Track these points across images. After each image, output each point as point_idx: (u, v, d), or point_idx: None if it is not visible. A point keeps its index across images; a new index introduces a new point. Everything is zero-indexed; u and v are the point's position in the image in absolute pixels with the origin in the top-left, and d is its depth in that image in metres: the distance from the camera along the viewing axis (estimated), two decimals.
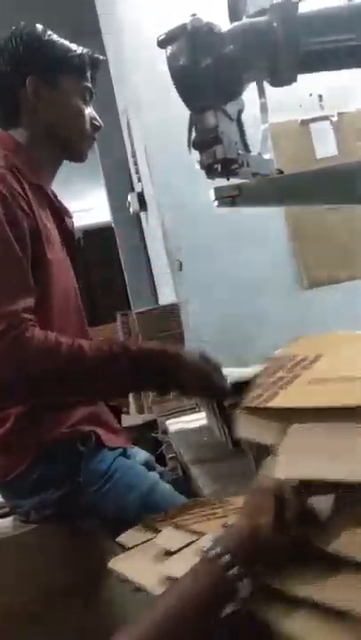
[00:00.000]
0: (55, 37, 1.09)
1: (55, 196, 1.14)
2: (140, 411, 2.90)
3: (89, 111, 1.13)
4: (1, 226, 0.94)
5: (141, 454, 1.27)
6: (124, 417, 1.26)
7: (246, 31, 0.92)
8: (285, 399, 0.57)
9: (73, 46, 1.10)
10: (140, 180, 2.88)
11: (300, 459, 0.53)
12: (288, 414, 0.56)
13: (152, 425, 2.48)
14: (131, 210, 2.98)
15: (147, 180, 2.67)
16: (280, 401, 0.57)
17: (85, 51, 1.11)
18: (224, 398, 1.04)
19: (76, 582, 1.12)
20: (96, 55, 1.13)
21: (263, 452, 0.91)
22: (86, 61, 1.11)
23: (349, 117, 2.48)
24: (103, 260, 5.58)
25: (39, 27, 1.08)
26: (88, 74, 1.12)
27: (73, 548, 1.12)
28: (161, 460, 2.04)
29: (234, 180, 1.00)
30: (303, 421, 0.54)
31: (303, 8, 0.92)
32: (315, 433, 0.53)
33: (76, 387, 0.97)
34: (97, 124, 1.14)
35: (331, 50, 0.92)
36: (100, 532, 1.12)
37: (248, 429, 0.60)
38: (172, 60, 0.92)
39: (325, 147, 2.47)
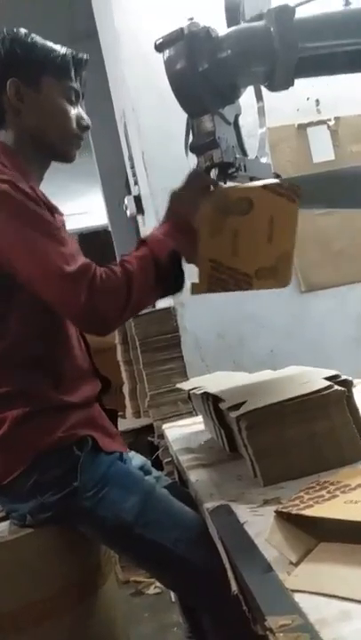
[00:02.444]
0: (38, 39, 1.09)
1: (44, 196, 1.14)
2: (137, 415, 2.90)
3: (75, 111, 1.12)
4: (36, 213, 0.99)
5: (138, 459, 1.26)
6: (119, 421, 1.26)
7: (243, 36, 0.92)
8: (319, 511, 0.65)
9: (56, 47, 1.09)
10: (136, 183, 2.88)
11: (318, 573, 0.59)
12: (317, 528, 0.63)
13: (148, 429, 2.48)
14: (128, 213, 2.97)
15: (144, 183, 2.67)
16: (314, 511, 0.64)
17: (69, 51, 1.11)
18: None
19: (73, 586, 1.12)
20: (80, 55, 1.12)
21: (260, 454, 0.91)
22: (70, 61, 1.10)
23: (346, 122, 2.49)
24: (99, 262, 5.58)
25: (22, 30, 1.08)
26: (72, 74, 1.11)
27: (70, 552, 1.12)
28: (157, 464, 2.04)
29: (231, 184, 1.00)
30: (331, 536, 0.62)
31: (300, 13, 0.92)
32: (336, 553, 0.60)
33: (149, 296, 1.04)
34: (84, 123, 1.13)
35: (328, 55, 0.92)
36: (96, 537, 1.11)
37: (277, 534, 0.66)
38: (169, 64, 0.92)
39: (322, 151, 2.47)
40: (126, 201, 2.94)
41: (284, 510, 0.68)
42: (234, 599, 0.69)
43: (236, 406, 0.95)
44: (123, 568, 2.23)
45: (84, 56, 1.13)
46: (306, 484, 0.76)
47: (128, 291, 0.96)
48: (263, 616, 0.55)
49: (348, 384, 0.95)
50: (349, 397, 0.94)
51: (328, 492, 0.71)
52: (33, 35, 1.09)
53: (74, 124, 1.12)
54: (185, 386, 1.41)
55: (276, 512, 0.68)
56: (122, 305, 0.97)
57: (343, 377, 0.97)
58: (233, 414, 0.94)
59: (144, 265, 0.99)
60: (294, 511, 0.66)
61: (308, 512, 0.65)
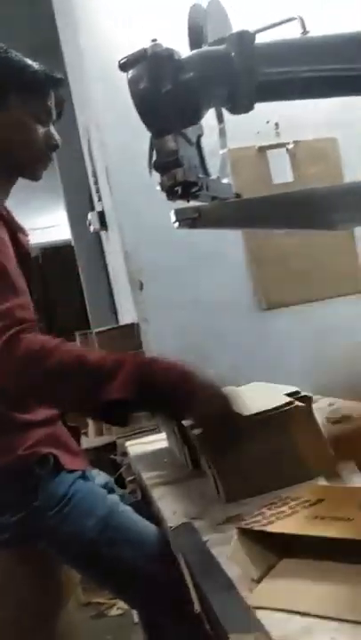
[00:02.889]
0: (13, 56, 1.07)
1: (9, 214, 1.12)
2: (99, 432, 2.87)
3: (45, 130, 1.11)
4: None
5: (101, 477, 1.25)
6: (82, 438, 1.24)
7: (205, 59, 0.94)
8: (282, 527, 0.65)
9: (28, 65, 1.07)
10: (100, 199, 2.88)
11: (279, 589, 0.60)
12: (278, 544, 0.65)
13: (111, 447, 2.45)
14: (91, 228, 2.97)
15: (108, 200, 2.68)
16: (278, 527, 0.65)
17: (42, 69, 1.09)
18: (243, 435, 0.90)
19: (31, 610, 1.09)
20: (54, 74, 1.10)
21: (223, 471, 0.91)
22: (42, 80, 1.09)
23: (304, 145, 2.56)
24: (62, 278, 5.52)
25: None
26: (44, 92, 1.10)
27: (31, 573, 1.09)
28: (120, 482, 2.02)
29: (194, 203, 1.01)
30: (293, 551, 0.63)
31: (260, 39, 0.94)
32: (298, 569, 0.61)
33: (65, 398, 0.92)
34: (53, 143, 1.12)
35: (287, 80, 0.95)
36: (58, 556, 1.09)
37: (240, 551, 0.65)
38: (132, 84, 0.93)
39: (282, 173, 2.53)
40: (90, 216, 2.94)
41: (246, 527, 0.68)
42: (196, 617, 0.68)
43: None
44: (84, 590, 2.18)
45: (58, 75, 1.11)
46: (268, 499, 0.77)
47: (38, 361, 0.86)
48: (226, 634, 0.55)
49: (307, 400, 0.96)
50: (310, 413, 0.96)
51: (290, 508, 0.72)
52: (10, 50, 1.07)
53: (42, 144, 1.10)
54: None
55: (238, 529, 0.68)
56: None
57: (303, 393, 0.99)
58: (196, 431, 0.95)
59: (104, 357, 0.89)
60: (256, 527, 0.67)
61: (269, 528, 0.66)
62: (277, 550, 0.65)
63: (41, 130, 1.10)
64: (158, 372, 0.88)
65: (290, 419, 0.93)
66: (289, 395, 0.98)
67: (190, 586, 0.74)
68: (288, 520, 0.67)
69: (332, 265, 2.61)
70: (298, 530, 0.64)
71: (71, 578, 1.23)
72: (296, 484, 0.88)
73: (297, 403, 0.94)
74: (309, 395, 0.98)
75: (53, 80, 1.10)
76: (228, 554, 0.68)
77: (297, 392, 0.99)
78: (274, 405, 0.93)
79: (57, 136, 1.13)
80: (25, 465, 1.03)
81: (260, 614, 0.56)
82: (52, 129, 1.13)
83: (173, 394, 0.88)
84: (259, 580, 0.62)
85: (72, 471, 1.08)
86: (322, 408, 1.36)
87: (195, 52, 0.95)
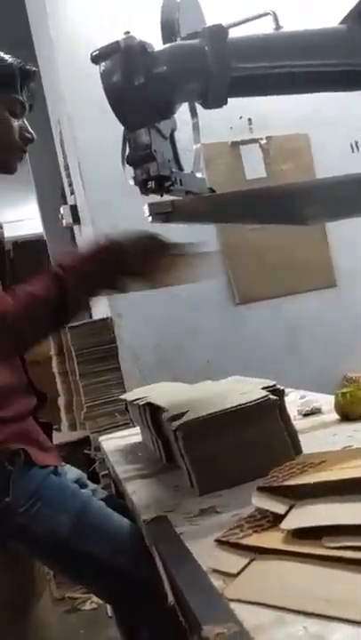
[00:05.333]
0: None
1: None
2: (73, 427, 2.85)
3: (19, 123, 1.10)
4: None
5: (73, 472, 1.24)
6: (55, 434, 1.23)
7: (178, 53, 0.93)
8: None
9: (2, 58, 1.06)
10: (72, 192, 2.86)
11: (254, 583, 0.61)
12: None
13: (85, 442, 2.44)
14: (64, 222, 2.94)
15: (80, 194, 2.65)
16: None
17: (16, 62, 1.08)
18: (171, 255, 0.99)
19: (6, 603, 1.08)
20: (28, 67, 1.09)
21: (196, 464, 0.92)
22: (15, 73, 1.08)
23: (277, 141, 2.58)
24: (34, 272, 5.46)
25: None
26: (18, 85, 1.09)
27: (2, 568, 1.08)
28: (94, 477, 2.01)
29: (168, 197, 1.01)
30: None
31: (234, 33, 0.95)
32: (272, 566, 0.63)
33: (40, 326, 0.95)
34: (29, 136, 1.11)
35: (260, 76, 0.96)
36: (30, 553, 1.08)
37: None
38: (105, 77, 0.92)
39: (255, 168, 2.55)
40: (62, 210, 2.91)
41: (223, 539, 0.69)
42: (171, 610, 0.69)
43: (177, 417, 0.96)
44: (58, 585, 2.18)
45: (32, 68, 1.10)
46: (245, 498, 0.77)
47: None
48: (199, 626, 0.55)
49: (280, 393, 0.98)
50: (282, 406, 0.97)
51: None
52: None
53: (16, 136, 1.09)
54: (128, 397, 1.40)
55: (217, 540, 0.70)
56: None
57: (276, 386, 1.00)
58: (174, 425, 0.95)
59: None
60: (233, 540, 0.68)
61: (245, 541, 0.67)
62: (253, 551, 0.66)
63: (16, 123, 1.09)
64: (90, 269, 0.95)
65: (262, 411, 0.94)
66: (263, 388, 0.99)
67: (164, 578, 0.74)
68: (265, 534, 0.68)
69: (304, 259, 2.64)
70: (275, 544, 0.65)
71: (44, 573, 1.23)
72: (268, 476, 0.89)
73: (269, 396, 0.95)
74: (281, 387, 1.00)
75: (27, 73, 1.09)
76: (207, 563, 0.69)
77: (273, 385, 1.00)
78: (249, 399, 0.94)
79: (31, 129, 1.11)
80: None
81: (233, 605, 0.57)
82: (26, 122, 1.12)
83: (110, 269, 0.96)
84: (234, 575, 0.63)
85: (43, 467, 1.07)
86: (293, 401, 1.38)
87: (168, 45, 0.95)
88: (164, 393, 1.25)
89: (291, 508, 0.66)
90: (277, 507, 0.67)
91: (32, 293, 0.92)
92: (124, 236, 0.98)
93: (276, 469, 0.77)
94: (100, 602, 2.01)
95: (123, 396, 1.51)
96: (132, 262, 0.96)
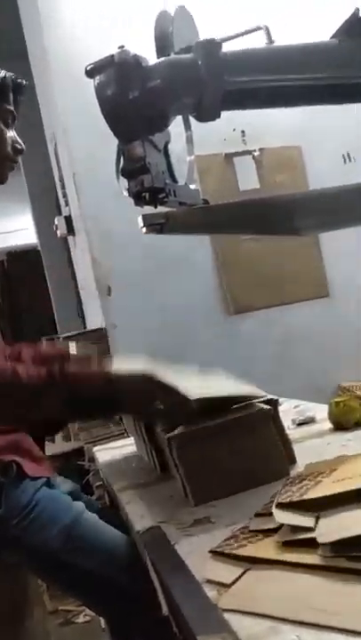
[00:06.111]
0: None
1: None
2: (67, 438, 2.84)
3: (11, 134, 1.12)
4: None
5: (67, 484, 1.24)
6: (48, 445, 1.23)
7: (172, 66, 0.95)
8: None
9: None
10: (67, 203, 2.87)
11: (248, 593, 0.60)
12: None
13: (78, 452, 2.43)
14: (58, 233, 2.95)
15: (75, 205, 2.66)
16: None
17: (8, 74, 1.11)
18: (174, 420, 0.96)
19: (0, 617, 1.07)
20: (19, 80, 1.13)
21: (190, 474, 0.92)
22: (8, 84, 1.11)
23: (270, 153, 2.60)
24: (28, 282, 5.46)
25: None
26: (10, 97, 1.11)
27: None
28: (87, 488, 2.00)
29: (162, 209, 1.02)
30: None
31: (227, 47, 0.96)
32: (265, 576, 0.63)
33: (8, 414, 0.94)
34: (19, 147, 1.13)
35: (252, 89, 0.97)
36: (23, 565, 1.08)
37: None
38: (99, 90, 0.93)
39: (248, 180, 2.57)
40: (57, 221, 2.92)
41: (218, 550, 0.69)
42: (165, 621, 0.68)
43: (171, 427, 0.96)
44: (51, 597, 2.15)
45: (23, 81, 1.14)
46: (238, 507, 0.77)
47: None
48: (194, 636, 0.55)
49: (273, 403, 0.98)
50: (275, 415, 0.97)
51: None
52: None
53: (8, 147, 1.11)
54: None
55: (212, 551, 0.70)
56: None
57: (269, 396, 1.01)
58: (167, 435, 0.95)
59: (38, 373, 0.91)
60: (227, 550, 0.68)
61: (240, 552, 0.67)
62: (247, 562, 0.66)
63: (8, 134, 1.11)
64: (85, 386, 0.93)
65: (256, 421, 0.94)
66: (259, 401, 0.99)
67: (158, 589, 0.74)
68: (260, 544, 0.68)
69: (297, 270, 2.65)
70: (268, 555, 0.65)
71: (37, 586, 1.22)
72: (262, 485, 0.89)
73: (263, 405, 0.96)
74: (275, 397, 1.00)
75: (19, 85, 1.12)
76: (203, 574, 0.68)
77: (263, 396, 1.00)
78: (242, 409, 0.95)
79: (20, 140, 1.14)
80: None
81: (227, 616, 0.57)
82: (15, 133, 1.14)
83: (105, 402, 0.94)
84: (228, 586, 0.63)
85: (36, 478, 1.07)
86: (287, 410, 1.38)
87: (162, 59, 0.96)
88: None
89: (317, 520, 0.65)
90: (304, 520, 0.66)
91: (19, 374, 0.89)
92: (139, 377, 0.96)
93: (287, 483, 0.77)
94: (94, 615, 1.99)
95: None
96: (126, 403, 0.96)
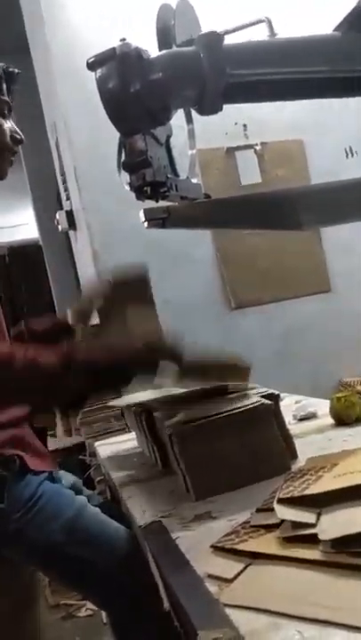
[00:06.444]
0: None
1: None
2: (68, 433, 2.84)
3: (9, 125, 1.11)
4: None
5: (68, 478, 1.24)
6: (50, 439, 1.23)
7: (174, 59, 0.94)
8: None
9: None
10: (68, 198, 2.86)
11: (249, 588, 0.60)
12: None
13: (80, 447, 2.43)
14: (59, 228, 2.94)
15: (76, 199, 2.66)
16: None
17: (2, 65, 1.10)
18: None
19: (1, 612, 1.07)
20: (11, 69, 1.12)
21: (192, 469, 0.92)
22: (1, 75, 1.10)
23: (272, 147, 2.59)
24: (30, 277, 5.46)
25: None
26: (3, 87, 1.10)
27: None
28: (89, 482, 2.01)
29: (163, 203, 1.01)
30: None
31: (229, 40, 0.95)
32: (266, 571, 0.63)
33: (32, 398, 0.92)
34: (18, 137, 1.12)
35: (254, 82, 0.96)
36: (24, 560, 1.08)
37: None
38: (101, 83, 0.93)
39: (250, 174, 2.56)
40: (58, 216, 2.91)
41: (219, 545, 0.69)
42: (166, 615, 0.69)
43: (173, 422, 0.96)
44: (53, 591, 2.16)
45: (16, 70, 1.12)
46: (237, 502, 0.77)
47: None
48: (195, 631, 0.55)
49: (275, 398, 0.98)
50: (277, 410, 0.97)
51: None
52: None
53: (7, 138, 1.10)
54: (118, 402, 1.40)
55: (213, 546, 0.70)
56: None
57: (271, 391, 1.01)
58: (169, 430, 0.95)
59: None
60: (228, 545, 0.68)
61: (241, 547, 0.67)
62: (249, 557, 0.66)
63: (6, 125, 1.10)
64: (101, 359, 0.91)
65: (257, 416, 0.94)
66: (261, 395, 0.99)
67: (159, 583, 0.74)
68: (261, 539, 0.68)
69: (299, 264, 2.65)
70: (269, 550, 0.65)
71: (38, 580, 1.22)
72: (263, 481, 0.89)
73: (264, 401, 0.96)
74: (276, 392, 1.00)
75: (12, 75, 1.11)
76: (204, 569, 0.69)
77: (265, 390, 1.00)
78: (243, 404, 0.95)
79: (19, 130, 1.13)
80: None
81: (228, 611, 0.57)
82: (13, 123, 1.13)
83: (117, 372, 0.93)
84: (230, 581, 0.63)
85: (38, 473, 1.07)
86: (289, 405, 1.38)
87: (164, 52, 0.96)
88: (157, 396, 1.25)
89: (319, 517, 0.65)
90: (305, 516, 0.66)
91: (37, 361, 0.87)
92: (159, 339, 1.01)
93: (288, 478, 0.77)
94: (96, 608, 2.00)
95: (111, 403, 1.50)
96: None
